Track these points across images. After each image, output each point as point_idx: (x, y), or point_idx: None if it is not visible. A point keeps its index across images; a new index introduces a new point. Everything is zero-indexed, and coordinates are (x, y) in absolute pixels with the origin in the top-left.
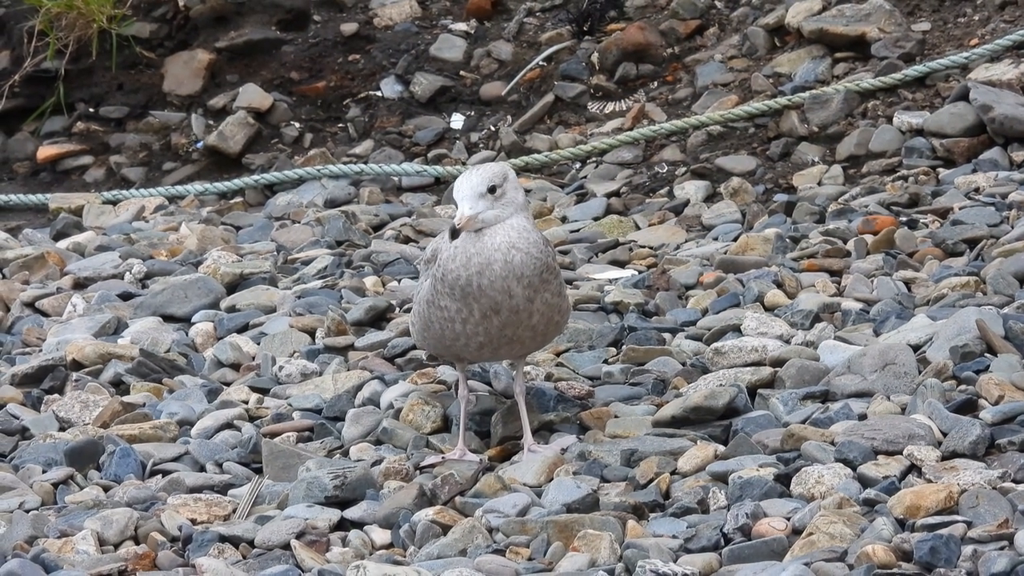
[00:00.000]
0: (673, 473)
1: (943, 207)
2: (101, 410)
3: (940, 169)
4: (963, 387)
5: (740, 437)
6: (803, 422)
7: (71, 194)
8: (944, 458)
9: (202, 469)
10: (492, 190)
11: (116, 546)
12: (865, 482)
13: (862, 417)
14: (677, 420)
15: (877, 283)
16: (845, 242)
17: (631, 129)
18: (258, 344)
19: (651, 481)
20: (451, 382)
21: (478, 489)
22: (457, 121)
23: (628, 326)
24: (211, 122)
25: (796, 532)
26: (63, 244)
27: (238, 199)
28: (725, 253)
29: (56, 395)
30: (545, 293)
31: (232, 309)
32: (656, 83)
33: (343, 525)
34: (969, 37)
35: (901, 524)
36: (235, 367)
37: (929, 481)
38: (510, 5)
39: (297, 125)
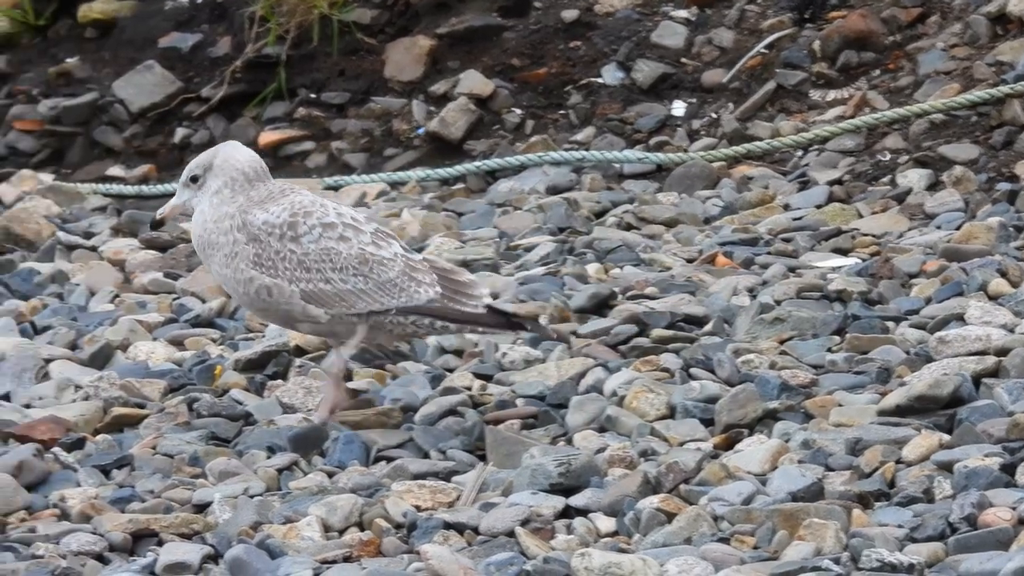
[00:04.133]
0: (898, 462)
1: None
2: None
3: None
4: None
5: (965, 426)
6: None
7: (293, 179)
8: None
9: (426, 456)
10: (194, 179)
11: (341, 532)
12: None
13: None
14: (901, 409)
15: None
16: None
17: (853, 117)
18: None
19: (876, 470)
20: (674, 369)
21: (703, 477)
22: (679, 108)
23: (851, 314)
24: (432, 108)
25: (1022, 522)
26: None
27: (460, 185)
28: (948, 242)
29: (279, 381)
30: (215, 258)
31: None
32: (878, 71)
33: (568, 512)
34: None
35: None
36: (458, 353)
37: None
38: None
39: (518, 112)
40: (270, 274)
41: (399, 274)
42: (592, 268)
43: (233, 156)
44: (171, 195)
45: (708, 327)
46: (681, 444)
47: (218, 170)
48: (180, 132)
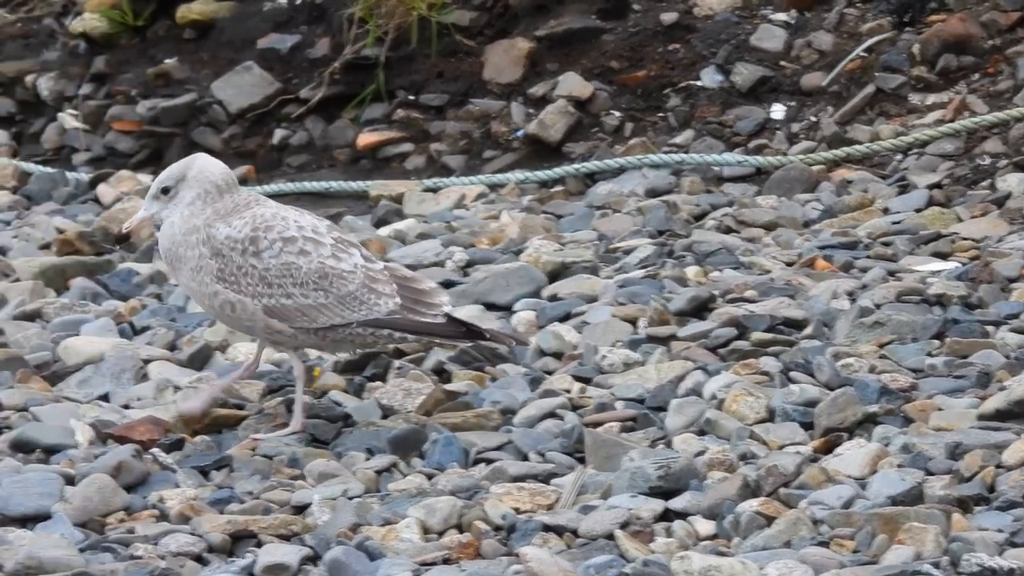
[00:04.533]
0: (998, 467)
1: None
2: (424, 398)
3: None
4: None
5: None
6: None
7: (391, 181)
8: None
9: (525, 458)
10: (165, 191)
11: (440, 534)
12: None
13: None
14: (1001, 413)
15: None
16: None
17: (952, 121)
18: (580, 333)
19: (976, 474)
20: (774, 372)
21: (802, 480)
22: (778, 111)
23: (951, 318)
24: (531, 110)
25: None
26: (384, 231)
27: (559, 188)
28: None
29: (379, 382)
30: (183, 271)
31: (554, 298)
32: (977, 75)
33: (667, 515)
34: None
35: None
36: (557, 356)
37: None
38: None
39: (617, 114)
40: (234, 289)
41: (359, 287)
42: (691, 271)
43: (207, 168)
44: (268, 196)
45: (807, 330)
46: (780, 448)
47: (192, 181)
48: (279, 133)
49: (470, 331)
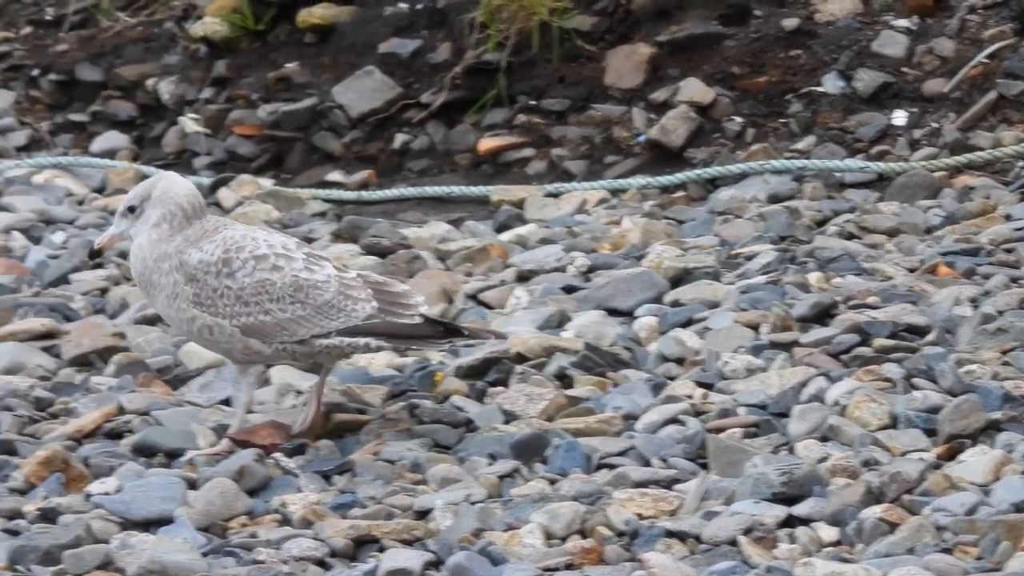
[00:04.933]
0: None
1: None
2: (546, 403)
3: None
4: None
5: None
6: None
7: (513, 186)
8: None
9: (647, 464)
10: (132, 209)
11: (563, 540)
12: None
13: None
14: None
15: None
16: None
17: None
18: (702, 339)
19: None
20: (896, 379)
21: (926, 487)
22: (899, 117)
23: None
24: (652, 116)
25: None
26: (505, 236)
27: (680, 193)
28: None
29: (500, 387)
30: (158, 298)
31: (676, 303)
32: None
33: (790, 522)
34: None
35: None
36: (679, 361)
37: None
38: (952, 2)
39: (739, 120)
40: (211, 312)
41: (335, 295)
42: (813, 277)
43: (171, 189)
44: (389, 201)
45: (930, 337)
46: (903, 454)
47: (157, 201)
48: (400, 138)
49: (448, 329)
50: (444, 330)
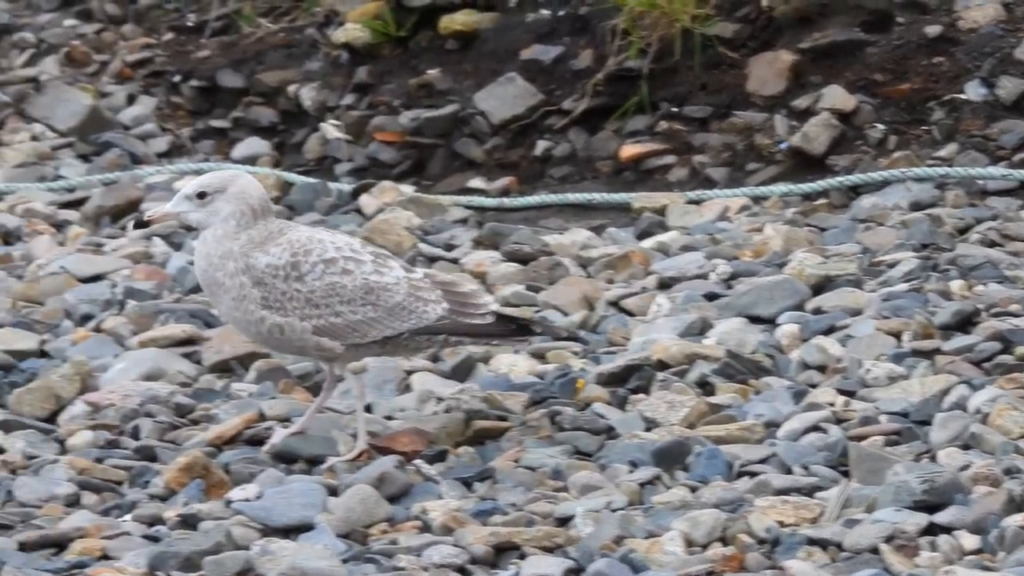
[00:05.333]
0: None
1: None
2: (687, 410)
3: None
4: None
5: None
6: None
7: (654, 193)
8: None
9: (789, 471)
10: (201, 196)
11: (704, 547)
12: None
13: None
14: None
15: None
16: None
17: None
18: (844, 346)
19: None
20: None
21: None
22: None
23: None
24: (794, 123)
25: None
26: (647, 243)
27: (822, 200)
28: None
29: (642, 395)
30: (223, 300)
31: (818, 311)
32: None
33: (932, 530)
34: None
35: None
36: (821, 369)
37: None
38: None
39: (881, 127)
40: (280, 313)
41: (405, 296)
42: (956, 285)
43: (247, 189)
44: (531, 207)
45: None
46: None
47: (231, 197)
48: (541, 145)
49: (520, 326)
50: (516, 327)
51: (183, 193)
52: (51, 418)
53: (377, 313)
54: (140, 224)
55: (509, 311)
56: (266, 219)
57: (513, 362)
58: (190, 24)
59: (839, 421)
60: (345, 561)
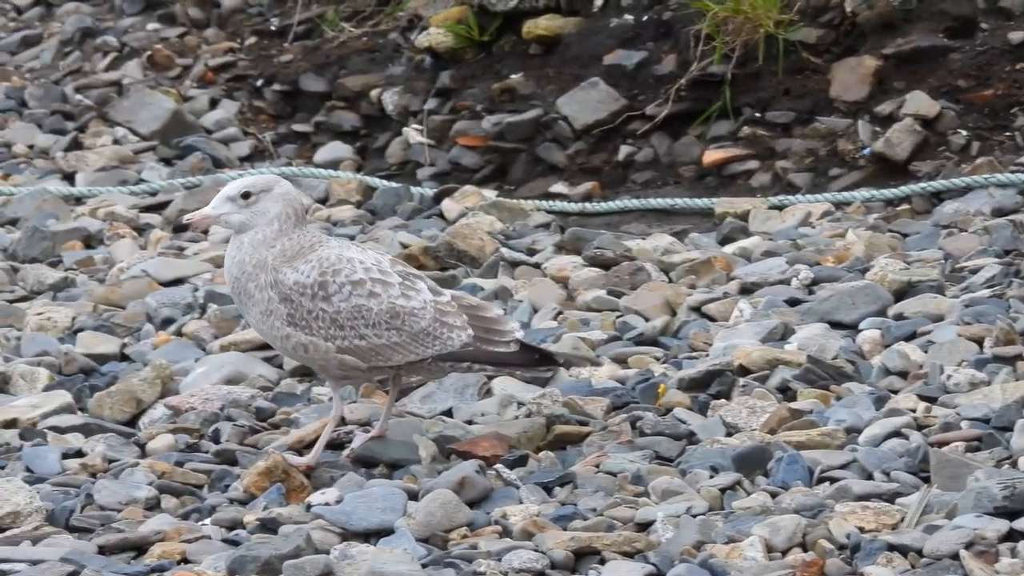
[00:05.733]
0: None
1: None
2: (769, 416)
3: None
4: None
5: None
6: None
7: (737, 198)
8: None
9: (870, 477)
10: (246, 196)
11: (784, 553)
12: None
13: None
14: None
15: None
16: None
17: None
18: (926, 352)
19: None
20: None
21: None
22: None
23: None
24: (877, 128)
25: None
26: (729, 249)
27: (905, 206)
28: None
29: (723, 400)
30: (252, 311)
31: (899, 317)
32: None
33: (1012, 536)
34: None
35: None
36: (903, 375)
37: None
38: None
39: (964, 133)
40: (305, 332)
41: (431, 322)
42: None
43: (292, 192)
44: (613, 212)
45: None
46: None
47: (278, 197)
48: (624, 150)
49: (543, 356)
50: (539, 357)
51: (224, 195)
52: (131, 422)
53: (402, 338)
54: (179, 228)
55: (534, 344)
56: (303, 226)
57: (594, 367)
58: (273, 28)
59: (920, 427)
60: (425, 566)
